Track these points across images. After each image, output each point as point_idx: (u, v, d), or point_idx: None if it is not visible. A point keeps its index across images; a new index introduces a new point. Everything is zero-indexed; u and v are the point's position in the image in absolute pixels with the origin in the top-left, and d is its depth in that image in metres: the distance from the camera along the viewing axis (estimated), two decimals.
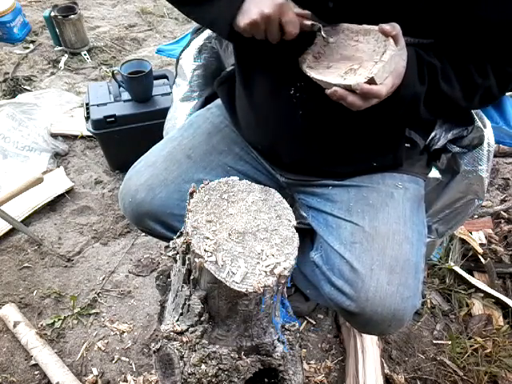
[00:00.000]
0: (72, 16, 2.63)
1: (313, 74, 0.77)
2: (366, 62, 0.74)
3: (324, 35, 0.77)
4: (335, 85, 0.73)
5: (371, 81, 0.70)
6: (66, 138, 2.25)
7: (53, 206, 1.91)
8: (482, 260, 1.67)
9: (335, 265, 0.98)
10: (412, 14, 0.77)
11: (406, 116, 0.92)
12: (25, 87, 2.54)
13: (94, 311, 1.55)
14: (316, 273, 1.06)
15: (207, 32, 1.27)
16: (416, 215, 1.03)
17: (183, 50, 1.33)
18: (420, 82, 0.81)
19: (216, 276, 0.70)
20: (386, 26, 0.71)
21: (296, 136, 1.00)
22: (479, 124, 1.06)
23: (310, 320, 1.55)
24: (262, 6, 0.73)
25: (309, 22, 0.77)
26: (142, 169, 1.13)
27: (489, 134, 1.08)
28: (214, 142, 1.17)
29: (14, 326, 1.45)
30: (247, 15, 0.75)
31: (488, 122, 1.08)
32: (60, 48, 2.84)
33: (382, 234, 0.96)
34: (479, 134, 1.07)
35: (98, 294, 1.60)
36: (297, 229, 0.80)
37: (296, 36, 0.76)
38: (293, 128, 0.98)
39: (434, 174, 1.21)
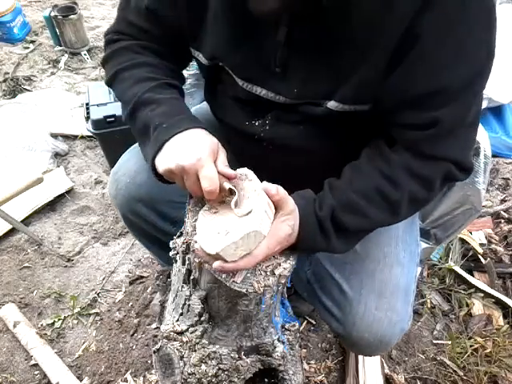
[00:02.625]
0: (72, 16, 2.63)
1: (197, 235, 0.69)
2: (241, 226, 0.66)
3: (233, 205, 0.68)
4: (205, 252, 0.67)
5: (220, 257, 0.64)
6: (66, 137, 2.25)
7: (53, 206, 1.91)
8: (482, 260, 1.67)
9: (325, 284, 0.98)
10: (353, 81, 0.71)
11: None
12: (25, 87, 2.55)
13: (93, 311, 1.55)
14: (308, 288, 1.05)
15: None
16: (409, 234, 1.01)
17: None
18: (323, 237, 0.75)
19: (216, 276, 0.70)
20: (271, 188, 0.67)
21: (272, 178, 0.97)
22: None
23: (310, 320, 1.55)
24: (179, 157, 0.69)
25: (228, 186, 0.69)
26: None
27: (485, 146, 1.07)
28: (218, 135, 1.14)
29: (14, 326, 1.45)
30: (164, 162, 0.71)
31: (485, 134, 1.07)
32: (60, 48, 2.84)
33: (373, 255, 0.95)
34: (475, 146, 1.06)
35: (97, 294, 1.60)
36: None
37: (215, 195, 0.68)
38: (269, 172, 0.92)
39: None
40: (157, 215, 1.05)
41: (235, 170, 0.74)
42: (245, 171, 0.73)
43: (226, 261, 0.65)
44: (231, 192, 0.70)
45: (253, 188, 0.70)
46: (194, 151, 0.69)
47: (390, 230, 0.98)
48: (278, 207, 0.70)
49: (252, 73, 0.79)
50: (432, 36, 0.63)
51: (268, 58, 0.75)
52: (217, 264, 0.65)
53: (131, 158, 1.06)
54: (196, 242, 0.69)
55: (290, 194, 0.72)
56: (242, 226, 0.64)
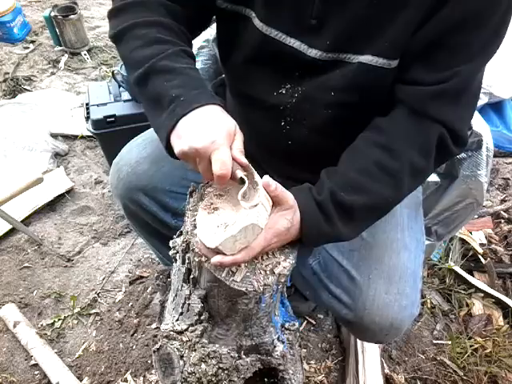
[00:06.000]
0: (72, 16, 2.64)
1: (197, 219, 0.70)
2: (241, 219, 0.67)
3: (240, 196, 0.67)
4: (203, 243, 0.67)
5: (219, 250, 0.65)
6: (66, 137, 2.25)
7: (53, 206, 1.91)
8: (482, 260, 1.67)
9: (333, 272, 0.98)
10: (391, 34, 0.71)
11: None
12: (25, 87, 2.55)
13: (93, 311, 1.55)
14: (314, 279, 1.05)
15: (204, 35, 1.26)
16: (414, 222, 1.02)
17: None
18: (327, 222, 0.73)
19: (216, 275, 0.70)
20: (271, 184, 0.66)
21: (285, 160, 0.97)
22: (477, 129, 1.06)
23: (310, 320, 1.55)
24: (193, 138, 0.65)
25: (240, 174, 0.67)
26: (144, 142, 1.07)
27: (487, 139, 1.07)
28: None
29: (14, 326, 1.45)
30: (178, 143, 0.67)
31: (487, 127, 1.07)
32: (60, 48, 2.84)
33: (380, 242, 0.95)
34: (477, 138, 1.07)
35: (97, 294, 1.60)
36: None
37: (225, 181, 0.66)
38: (282, 153, 0.95)
39: (433, 177, 1.21)
40: (157, 205, 1.05)
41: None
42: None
43: (225, 254, 0.66)
44: (242, 181, 0.68)
45: (252, 180, 0.70)
46: (209, 133, 0.65)
47: (396, 218, 0.99)
48: (276, 203, 0.70)
49: (286, 24, 0.77)
50: None
51: (303, 10, 0.74)
52: (216, 259, 0.65)
53: (133, 148, 1.07)
54: (195, 235, 0.69)
55: (288, 189, 0.72)
56: (239, 220, 0.65)
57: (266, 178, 0.68)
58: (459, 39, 0.69)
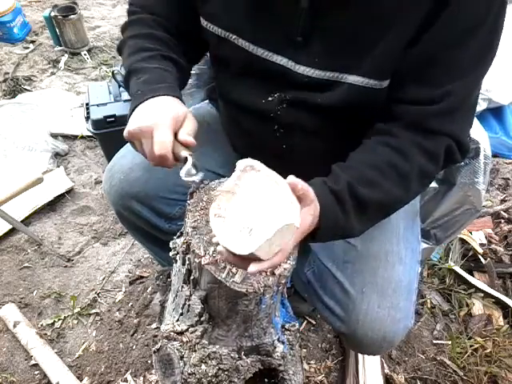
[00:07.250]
0: (72, 16, 2.63)
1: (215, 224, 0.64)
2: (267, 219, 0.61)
3: (182, 173, 0.72)
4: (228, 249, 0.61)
5: (254, 257, 0.59)
6: (66, 137, 2.25)
7: (53, 206, 1.91)
8: (482, 260, 1.67)
9: (327, 284, 0.98)
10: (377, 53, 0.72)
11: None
12: (25, 87, 2.54)
13: (93, 311, 1.55)
14: (309, 288, 1.04)
15: None
16: (410, 232, 1.01)
17: None
18: (342, 211, 0.71)
19: (216, 276, 0.70)
20: (297, 183, 0.62)
21: (284, 164, 0.94)
22: (475, 137, 1.06)
23: (310, 320, 1.55)
24: (138, 120, 0.72)
25: (185, 154, 0.72)
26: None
27: (485, 147, 1.07)
28: (214, 133, 1.12)
29: (14, 326, 1.45)
30: (127, 126, 0.74)
31: (485, 134, 1.07)
32: (60, 48, 2.84)
33: (375, 254, 0.95)
34: (475, 146, 1.07)
35: (97, 294, 1.60)
36: None
37: (167, 162, 0.72)
38: (279, 157, 0.93)
39: (432, 183, 1.21)
40: (151, 212, 1.05)
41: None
42: (249, 162, 0.67)
43: (259, 259, 0.61)
44: (185, 160, 0.72)
45: (265, 178, 0.64)
46: (153, 115, 0.71)
47: (391, 228, 0.98)
48: (300, 199, 0.66)
49: (272, 42, 0.78)
50: (460, 4, 0.64)
51: (289, 27, 0.75)
52: (254, 268, 0.60)
53: (127, 154, 1.06)
54: (218, 244, 0.63)
55: None
56: (269, 222, 0.60)
57: (292, 178, 0.64)
58: (454, 53, 0.68)
